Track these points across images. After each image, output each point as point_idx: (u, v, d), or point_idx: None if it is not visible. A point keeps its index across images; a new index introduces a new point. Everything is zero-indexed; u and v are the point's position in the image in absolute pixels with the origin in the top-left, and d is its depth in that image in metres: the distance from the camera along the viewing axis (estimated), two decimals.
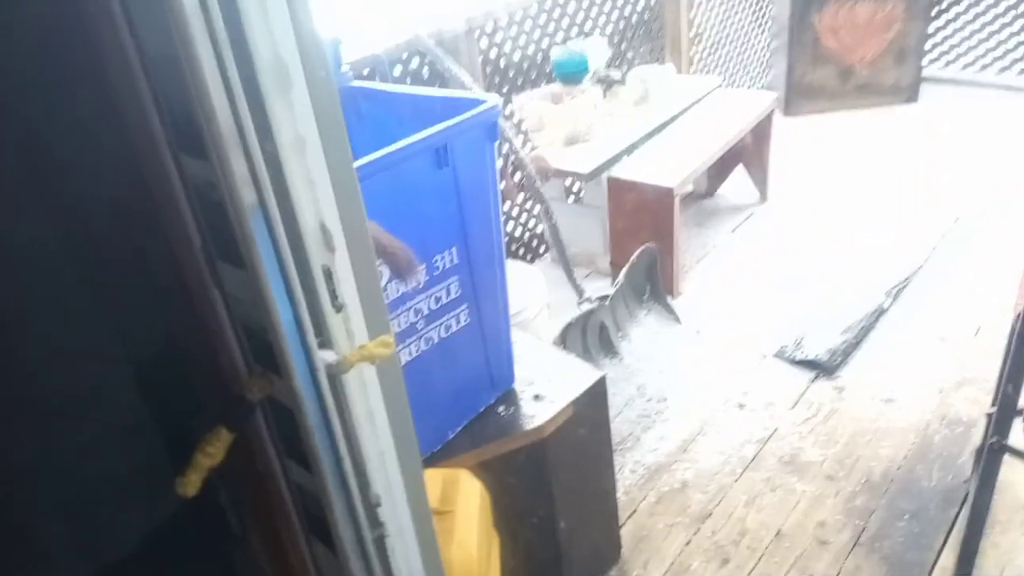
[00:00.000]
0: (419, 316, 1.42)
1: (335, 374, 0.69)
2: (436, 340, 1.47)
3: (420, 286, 1.37)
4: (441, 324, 1.47)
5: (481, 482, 1.45)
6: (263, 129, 0.62)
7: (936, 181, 3.53)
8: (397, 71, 2.56)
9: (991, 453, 1.36)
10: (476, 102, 1.40)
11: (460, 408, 1.58)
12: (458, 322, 1.50)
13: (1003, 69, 4.32)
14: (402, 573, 0.88)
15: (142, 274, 0.59)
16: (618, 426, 2.32)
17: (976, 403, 2.25)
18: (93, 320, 0.59)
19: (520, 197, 3.11)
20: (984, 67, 4.37)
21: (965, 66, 4.41)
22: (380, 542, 0.85)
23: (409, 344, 1.42)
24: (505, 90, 3.04)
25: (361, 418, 0.76)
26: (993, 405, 1.93)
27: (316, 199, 0.69)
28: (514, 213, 3.17)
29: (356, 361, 0.69)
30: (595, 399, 1.67)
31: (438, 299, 1.45)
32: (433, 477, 1.39)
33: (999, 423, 1.32)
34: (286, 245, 0.60)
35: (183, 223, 0.58)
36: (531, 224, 3.24)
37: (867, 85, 4.24)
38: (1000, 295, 2.69)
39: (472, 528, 1.31)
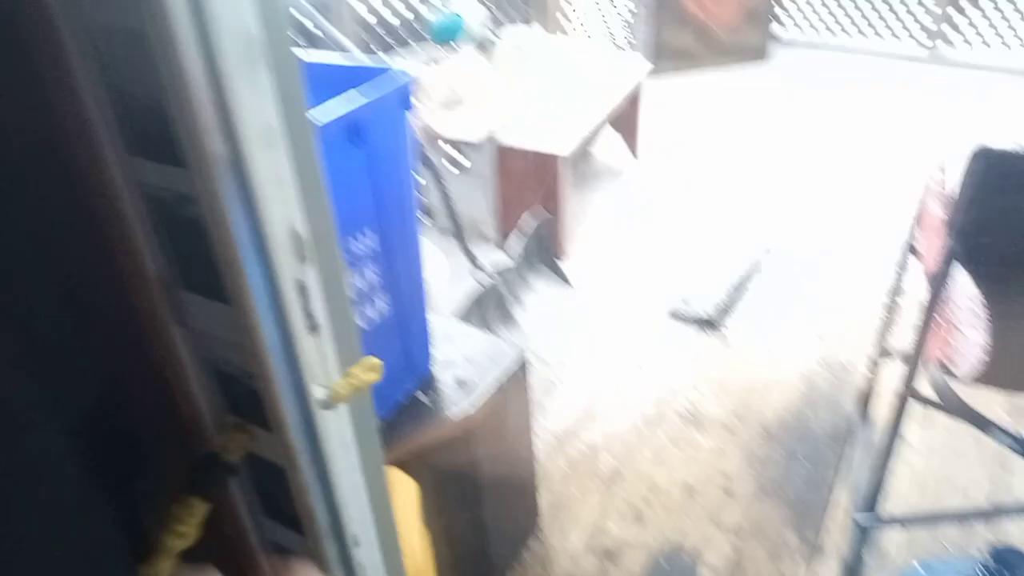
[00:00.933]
0: None
1: (320, 413, 0.58)
2: None
3: None
4: (360, 316, 1.35)
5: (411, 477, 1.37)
6: (227, 120, 0.50)
7: (791, 135, 3.75)
8: None
9: (900, 400, 1.44)
10: (382, 70, 1.28)
11: (381, 401, 1.48)
12: (377, 312, 1.39)
13: (841, 31, 4.64)
14: None
15: (76, 311, 0.46)
16: None
17: (851, 347, 2.42)
18: (13, 373, 0.45)
19: None
20: (824, 30, 4.67)
21: (807, 28, 4.70)
22: None
23: None
24: (378, 52, 2.87)
25: (339, 456, 0.66)
26: (877, 351, 2.08)
27: (285, 200, 0.57)
28: None
29: (348, 394, 0.59)
30: (519, 378, 1.62)
31: (356, 289, 1.33)
32: None
33: (909, 374, 1.41)
34: (280, 266, 0.49)
35: (133, 246, 0.45)
36: None
37: (723, 46, 4.40)
38: (864, 243, 2.91)
39: (415, 531, 1.23)
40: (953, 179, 1.60)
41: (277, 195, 0.56)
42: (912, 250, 1.88)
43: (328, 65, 1.37)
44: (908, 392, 1.41)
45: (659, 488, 2.05)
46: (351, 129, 1.21)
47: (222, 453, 0.51)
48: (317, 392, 0.57)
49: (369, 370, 0.62)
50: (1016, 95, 4.00)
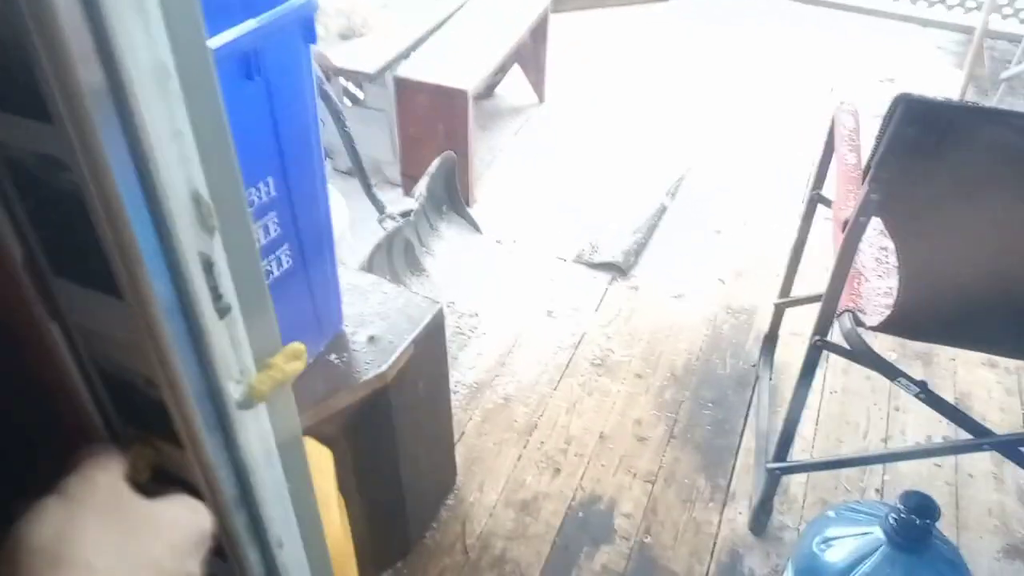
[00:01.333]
0: None
1: (238, 416, 0.48)
2: None
3: None
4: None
5: (324, 445, 1.27)
6: (106, 56, 0.38)
7: (696, 75, 3.74)
8: None
9: (813, 350, 1.47)
10: None
11: None
12: (280, 265, 1.26)
13: None
14: None
15: None
16: None
17: (752, 291, 2.47)
18: None
19: None
20: None
21: None
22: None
23: None
24: None
25: (260, 463, 0.56)
26: (781, 297, 2.13)
27: (185, 158, 0.46)
28: None
29: (269, 390, 0.49)
30: (434, 334, 1.54)
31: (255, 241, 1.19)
32: None
33: (821, 324, 1.43)
34: (182, 241, 0.38)
35: None
36: None
37: None
38: (763, 187, 2.96)
39: (332, 504, 1.15)
40: (866, 127, 1.61)
41: (175, 151, 0.44)
42: (818, 198, 1.90)
43: None
44: (820, 343, 1.43)
45: (573, 438, 2.04)
46: (246, 60, 1.06)
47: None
48: (233, 391, 0.47)
49: (292, 358, 0.52)
50: (907, 40, 4.15)
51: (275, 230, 1.23)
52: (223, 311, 0.52)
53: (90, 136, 0.34)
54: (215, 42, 1.00)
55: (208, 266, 0.49)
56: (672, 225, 2.82)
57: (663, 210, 2.86)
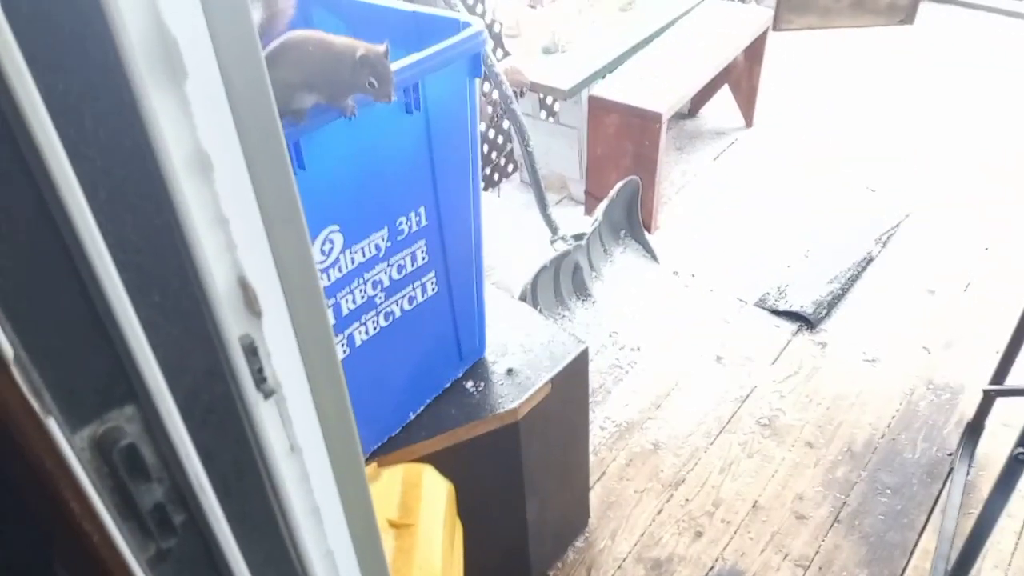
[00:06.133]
0: (378, 288, 1.18)
1: None
2: (398, 314, 1.24)
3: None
4: (404, 296, 1.24)
5: (445, 474, 1.26)
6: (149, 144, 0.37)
7: (933, 111, 3.33)
8: None
9: (1013, 463, 1.22)
10: (454, 24, 1.12)
11: (423, 385, 1.37)
12: (424, 292, 1.27)
13: None
14: None
15: None
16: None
17: (964, 367, 2.14)
18: None
19: (488, 110, 2.81)
20: None
21: None
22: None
23: (366, 321, 1.19)
24: None
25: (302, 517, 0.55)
26: (994, 382, 1.82)
27: (232, 245, 0.45)
28: (481, 128, 2.87)
29: None
30: (576, 374, 1.48)
31: (401, 268, 1.21)
32: (392, 477, 1.20)
33: None
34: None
35: None
36: (499, 140, 2.95)
37: (862, 2, 3.94)
38: (995, 247, 2.56)
39: (436, 540, 1.13)
40: None
41: (214, 238, 0.43)
42: None
43: (398, 12, 1.22)
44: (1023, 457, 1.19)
45: (723, 501, 1.88)
46: (407, 93, 1.06)
47: None
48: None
49: None
50: None
51: (423, 257, 1.23)
52: (268, 392, 0.50)
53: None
54: None
55: (252, 349, 0.48)
56: (877, 278, 2.51)
57: (869, 260, 2.57)
